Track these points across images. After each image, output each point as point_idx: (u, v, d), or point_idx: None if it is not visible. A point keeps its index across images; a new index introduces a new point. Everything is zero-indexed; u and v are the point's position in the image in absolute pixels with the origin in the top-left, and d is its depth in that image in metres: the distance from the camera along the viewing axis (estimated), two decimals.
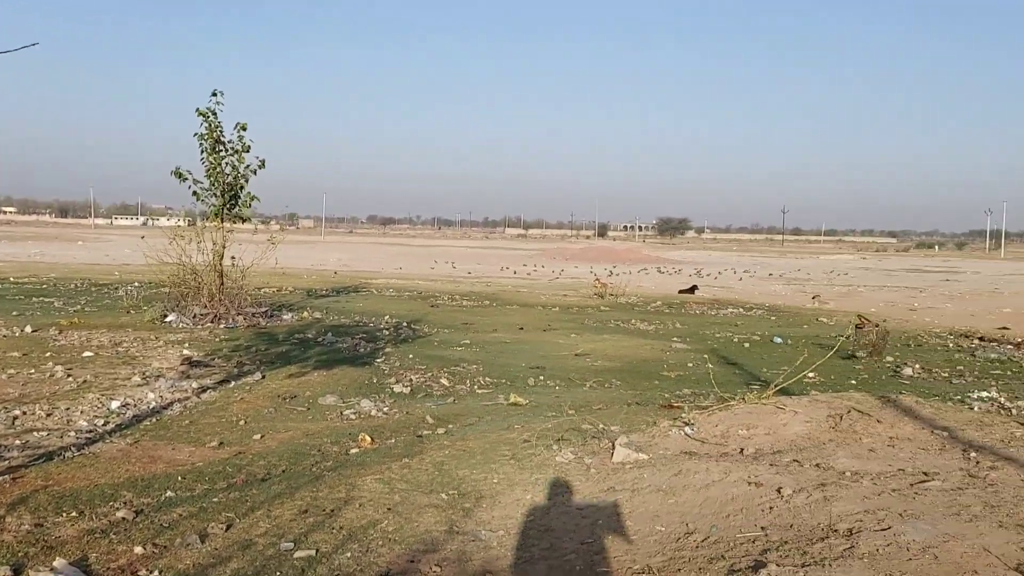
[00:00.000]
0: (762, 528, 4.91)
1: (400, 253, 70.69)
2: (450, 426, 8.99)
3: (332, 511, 5.86)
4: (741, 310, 25.19)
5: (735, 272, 51.79)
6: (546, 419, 8.91)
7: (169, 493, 6.64)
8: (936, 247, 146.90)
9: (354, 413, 9.90)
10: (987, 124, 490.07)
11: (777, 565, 4.13)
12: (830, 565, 4.09)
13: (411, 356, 14.06)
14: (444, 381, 12.03)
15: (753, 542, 4.67)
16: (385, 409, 10.16)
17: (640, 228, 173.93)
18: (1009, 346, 17.35)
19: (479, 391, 11.41)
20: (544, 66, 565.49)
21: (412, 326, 18.42)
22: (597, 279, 32.61)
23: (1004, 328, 20.94)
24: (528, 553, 5.11)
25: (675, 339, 17.49)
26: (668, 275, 47.30)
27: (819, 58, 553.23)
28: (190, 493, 6.66)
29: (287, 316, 19.48)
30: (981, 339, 18.57)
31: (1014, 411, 10.09)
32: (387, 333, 17.19)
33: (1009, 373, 13.75)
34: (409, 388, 11.47)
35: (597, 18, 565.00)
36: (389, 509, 5.90)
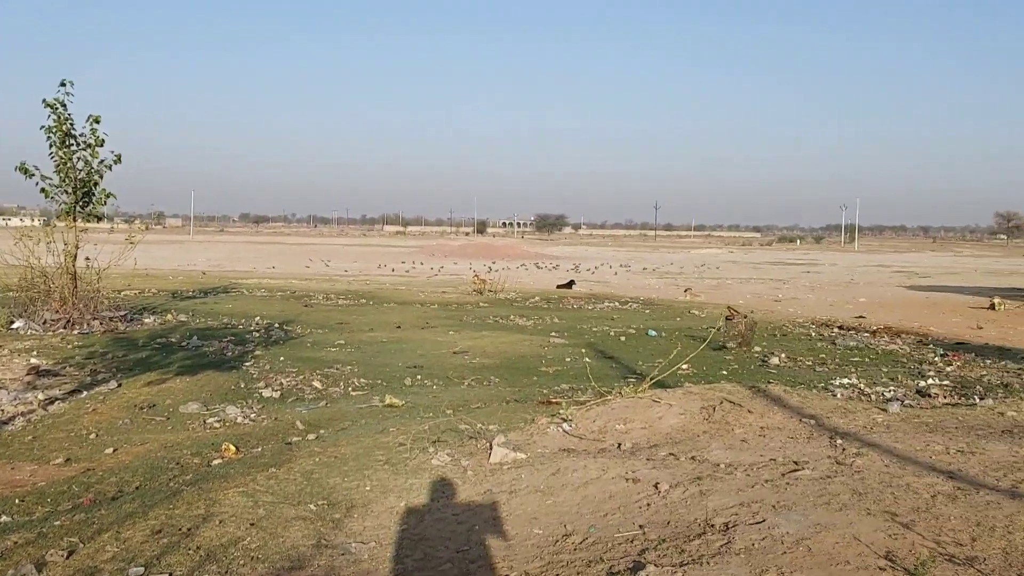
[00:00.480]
0: (640, 526, 4.83)
1: (274, 252, 68.47)
2: (322, 431, 8.61)
3: (189, 530, 5.42)
4: (617, 304, 25.61)
5: (611, 267, 52.85)
6: (423, 420, 8.66)
7: (4, 518, 6.02)
8: (797, 241, 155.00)
9: (218, 421, 9.34)
10: (842, 124, 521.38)
11: (655, 566, 4.05)
12: (708, 563, 4.04)
13: (282, 359, 13.48)
14: (317, 384, 11.56)
15: (631, 541, 4.58)
16: (252, 415, 9.64)
17: (519, 224, 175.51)
18: (866, 334, 18.31)
19: (354, 393, 11.02)
20: (418, 61, 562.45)
21: (284, 327, 17.72)
22: (476, 275, 32.46)
23: (860, 317, 22.11)
24: (401, 565, 4.85)
25: (553, 334, 17.54)
26: (546, 271, 47.76)
27: (690, 55, 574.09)
28: (28, 517, 6.06)
29: (149, 320, 18.38)
30: (840, 328, 19.53)
31: (873, 396, 10.55)
32: (257, 335, 16.45)
33: (867, 360, 14.45)
34: (279, 392, 10.95)
35: (465, 8, 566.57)
36: (252, 524, 5.51)
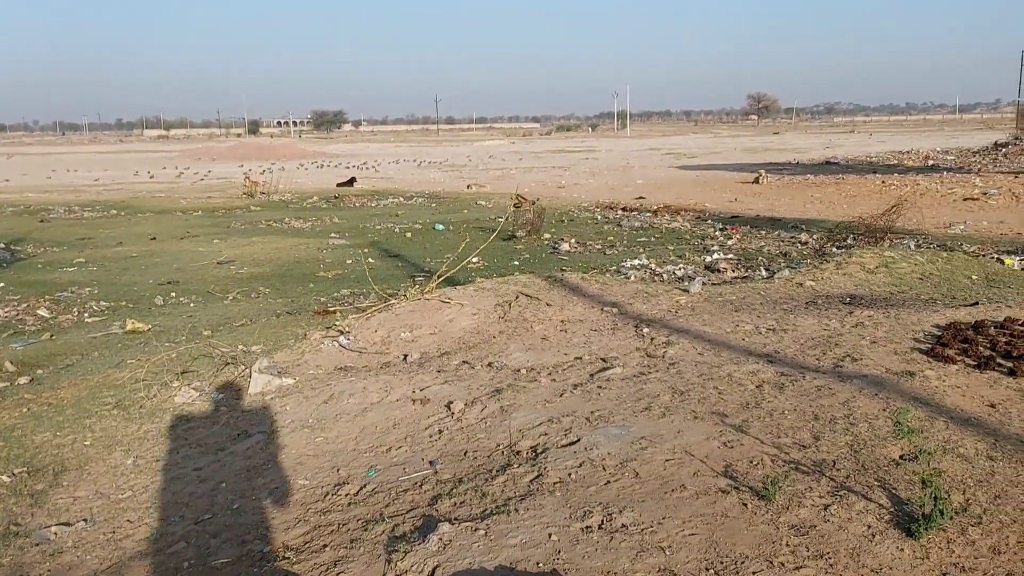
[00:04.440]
0: (431, 463, 3.89)
1: (10, 164, 59.96)
2: (39, 371, 6.94)
3: None
4: (401, 199, 24.38)
5: (395, 162, 51.06)
6: (172, 346, 7.19)
7: None
8: (573, 129, 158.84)
9: None
10: (610, 17, 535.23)
11: (450, 523, 3.12)
12: (516, 510, 3.16)
13: (2, 285, 11.23)
14: (43, 312, 9.61)
15: (420, 486, 3.62)
16: None
17: (295, 123, 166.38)
18: (648, 214, 18.43)
19: (89, 320, 9.22)
20: None
21: (11, 247, 15.04)
22: (247, 177, 29.82)
23: (640, 198, 22.37)
24: (119, 550, 3.63)
25: (333, 235, 16.14)
26: (327, 169, 45.14)
27: None
28: None
29: None
30: (624, 209, 19.56)
31: (665, 276, 10.28)
32: None
33: (653, 239, 14.37)
34: None
35: None
36: None
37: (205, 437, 4.86)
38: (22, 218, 20.84)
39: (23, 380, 6.68)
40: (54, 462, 4.78)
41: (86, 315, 9.49)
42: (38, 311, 9.71)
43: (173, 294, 10.54)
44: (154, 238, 16.35)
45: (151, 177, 39.04)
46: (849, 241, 11.81)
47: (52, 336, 8.53)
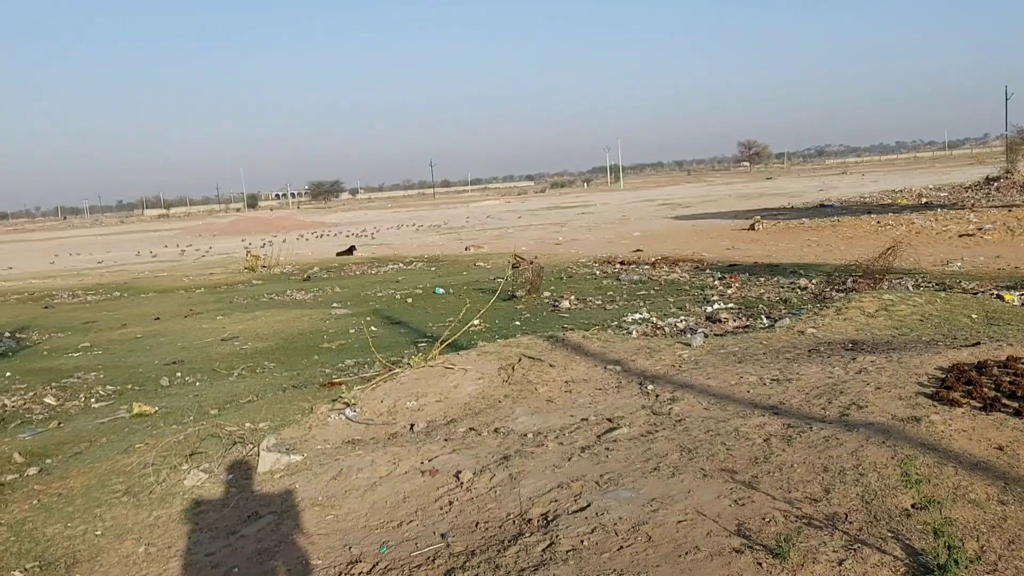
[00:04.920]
0: (443, 536, 3.88)
1: (13, 251, 60.46)
2: (48, 461, 6.93)
3: None
4: (401, 265, 24.56)
5: (393, 228, 51.51)
6: (179, 428, 7.19)
7: None
8: (568, 185, 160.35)
9: None
10: (598, 72, 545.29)
11: None
12: None
13: (8, 374, 11.26)
14: (50, 400, 9.63)
15: (433, 561, 3.61)
16: None
17: (293, 195, 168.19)
18: (646, 266, 18.55)
19: (96, 405, 9.24)
20: (160, 28, 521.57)
21: (16, 335, 15.10)
22: (248, 252, 30.09)
23: (638, 251, 22.54)
24: None
25: (335, 305, 16.23)
26: (327, 239, 45.55)
27: (458, 12, 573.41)
28: None
29: None
30: (622, 263, 19.70)
31: (666, 329, 10.32)
32: None
33: (652, 292, 14.45)
34: None
35: None
36: None
37: (216, 520, 4.85)
38: (26, 305, 20.98)
39: (32, 471, 6.67)
40: (66, 555, 4.76)
41: (93, 400, 9.51)
42: (45, 399, 9.72)
43: (179, 374, 10.57)
44: (158, 318, 16.44)
45: (153, 256, 39.38)
46: (848, 284, 11.88)
47: (60, 424, 8.54)
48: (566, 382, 6.55)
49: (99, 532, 5.04)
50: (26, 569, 4.62)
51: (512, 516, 3.92)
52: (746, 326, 9.97)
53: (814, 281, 13.62)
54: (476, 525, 3.93)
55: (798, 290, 13.23)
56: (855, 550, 3.17)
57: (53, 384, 10.42)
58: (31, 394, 10.00)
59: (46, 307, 20.12)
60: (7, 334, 15.26)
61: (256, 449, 5.99)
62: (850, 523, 3.34)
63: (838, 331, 7.57)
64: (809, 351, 6.67)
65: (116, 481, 5.88)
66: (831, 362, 6.08)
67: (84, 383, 10.43)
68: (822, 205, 34.92)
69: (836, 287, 11.93)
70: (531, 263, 16.19)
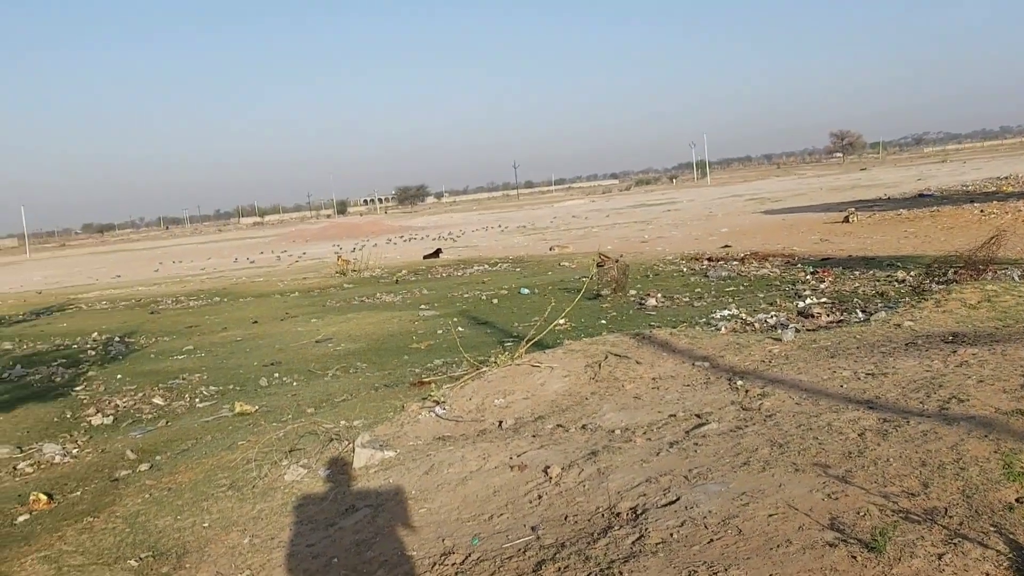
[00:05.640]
0: (533, 528, 3.95)
1: (120, 260, 63.70)
2: (157, 458, 7.33)
3: None
4: (486, 266, 24.80)
5: (478, 231, 52.03)
6: (279, 425, 7.50)
7: None
8: (653, 182, 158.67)
9: (31, 464, 7.85)
10: (684, 65, 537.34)
11: None
12: (620, 573, 3.19)
13: (120, 376, 11.90)
14: (158, 400, 10.14)
15: (524, 552, 3.68)
16: (75, 451, 8.19)
17: (380, 200, 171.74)
18: (734, 262, 18.24)
19: (200, 405, 9.69)
20: (254, 44, 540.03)
21: (126, 340, 15.93)
22: (339, 256, 30.92)
23: (726, 247, 22.17)
24: None
25: (423, 306, 16.54)
26: (414, 242, 46.37)
27: (535, 8, 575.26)
28: None
29: None
30: (709, 260, 19.42)
31: (756, 324, 10.14)
32: (93, 354, 14.64)
33: (741, 288, 14.21)
34: (112, 417, 9.49)
35: None
36: None
37: (315, 513, 5.05)
38: (134, 311, 22.08)
39: (144, 467, 7.06)
40: (176, 545, 5.03)
41: (197, 400, 9.97)
42: (153, 399, 10.25)
43: (277, 374, 10.97)
44: (256, 321, 17.07)
45: (250, 263, 40.81)
46: (949, 275, 11.43)
47: (167, 423, 8.99)
48: (653, 379, 6.53)
49: (206, 524, 5.30)
50: (140, 559, 4.90)
51: (601, 509, 3.95)
52: (840, 321, 9.71)
53: (912, 273, 13.14)
54: (565, 518, 3.99)
55: (895, 283, 12.79)
56: (955, 544, 3.09)
57: (160, 385, 10.96)
58: (140, 395, 10.55)
59: (152, 313, 21.12)
60: (117, 339, 16.13)
61: (351, 445, 6.19)
62: (950, 517, 3.25)
63: (937, 324, 7.31)
64: (906, 345, 6.46)
65: (221, 476, 6.17)
66: (929, 355, 5.88)
67: (189, 384, 10.93)
68: (920, 195, 33.57)
69: (935, 279, 11.48)
70: (616, 261, 16.12)
